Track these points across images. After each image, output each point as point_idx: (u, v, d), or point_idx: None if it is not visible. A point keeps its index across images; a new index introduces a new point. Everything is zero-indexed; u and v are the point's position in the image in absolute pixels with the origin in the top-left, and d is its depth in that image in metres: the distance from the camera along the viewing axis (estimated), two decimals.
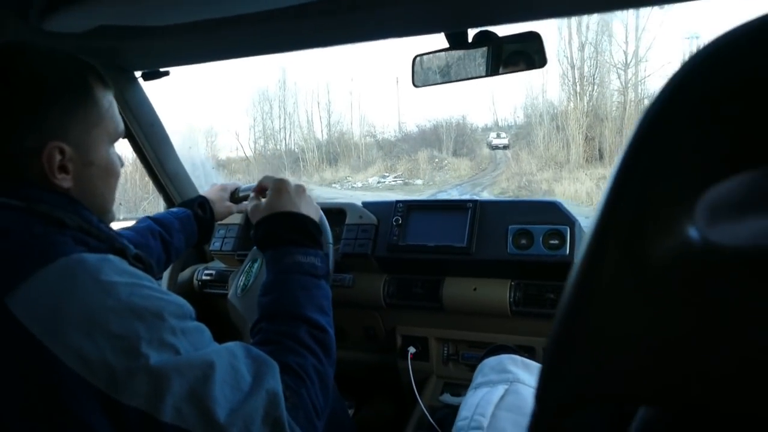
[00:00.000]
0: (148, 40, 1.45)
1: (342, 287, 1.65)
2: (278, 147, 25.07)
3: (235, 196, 1.56)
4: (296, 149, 24.72)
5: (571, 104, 19.85)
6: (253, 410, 0.76)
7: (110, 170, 0.93)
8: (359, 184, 19.98)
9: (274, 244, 1.08)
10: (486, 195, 16.49)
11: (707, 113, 0.26)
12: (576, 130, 18.59)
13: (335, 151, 24.05)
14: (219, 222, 1.78)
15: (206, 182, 2.12)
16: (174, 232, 1.39)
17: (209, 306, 1.95)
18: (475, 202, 1.61)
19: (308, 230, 1.11)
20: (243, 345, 0.83)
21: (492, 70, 1.44)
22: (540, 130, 20.20)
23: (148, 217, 1.40)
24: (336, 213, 1.77)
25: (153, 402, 0.70)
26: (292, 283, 1.00)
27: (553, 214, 1.52)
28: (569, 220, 1.49)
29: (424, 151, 22.10)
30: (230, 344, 0.82)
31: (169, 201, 2.06)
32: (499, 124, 25.73)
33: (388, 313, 1.74)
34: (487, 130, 24.24)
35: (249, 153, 24.92)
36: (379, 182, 19.88)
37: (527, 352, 1.57)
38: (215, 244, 1.91)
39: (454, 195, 16.02)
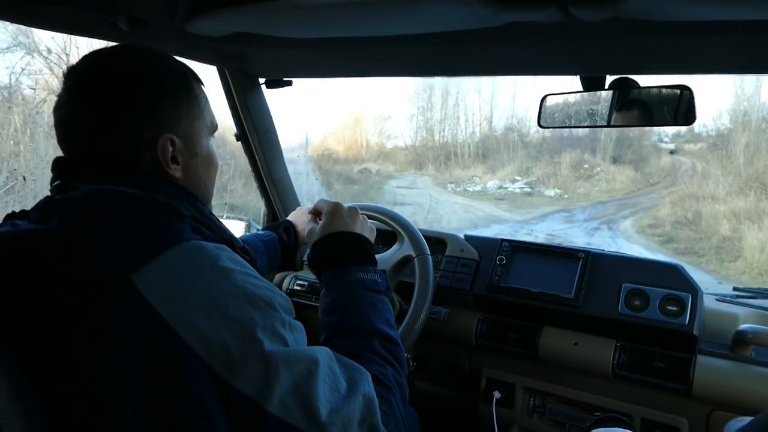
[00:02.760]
0: (276, 50, 1.48)
1: (436, 321, 1.61)
2: (435, 139, 22.29)
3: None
4: (451, 143, 21.80)
5: None
6: (351, 413, 0.77)
7: (211, 161, 0.97)
8: (478, 188, 16.74)
9: (332, 264, 1.09)
10: (628, 224, 11.42)
11: None
12: None
13: (492, 147, 20.47)
14: None
15: (307, 192, 2.14)
16: (258, 254, 1.41)
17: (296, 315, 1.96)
18: (587, 252, 1.54)
19: (364, 248, 1.12)
20: (333, 352, 0.84)
21: (614, 120, 1.38)
22: (742, 136, 14.17)
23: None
24: (435, 242, 1.73)
25: (262, 391, 0.72)
26: (358, 299, 1.01)
27: (673, 278, 1.42)
28: (692, 288, 1.39)
29: (571, 153, 17.31)
30: (323, 348, 0.83)
31: (269, 205, 2.09)
32: (695, 130, 19.32)
33: (476, 353, 1.68)
34: (678, 137, 18.85)
35: (409, 142, 22.96)
36: (500, 188, 16.48)
37: (623, 418, 1.48)
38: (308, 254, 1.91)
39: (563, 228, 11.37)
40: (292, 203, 2.10)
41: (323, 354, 0.80)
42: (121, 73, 0.87)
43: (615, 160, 16.93)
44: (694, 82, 1.25)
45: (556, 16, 0.99)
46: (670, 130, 18.53)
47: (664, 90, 1.28)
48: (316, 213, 1.27)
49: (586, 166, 16.90)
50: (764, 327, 1.36)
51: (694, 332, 1.33)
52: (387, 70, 1.54)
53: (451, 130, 21.97)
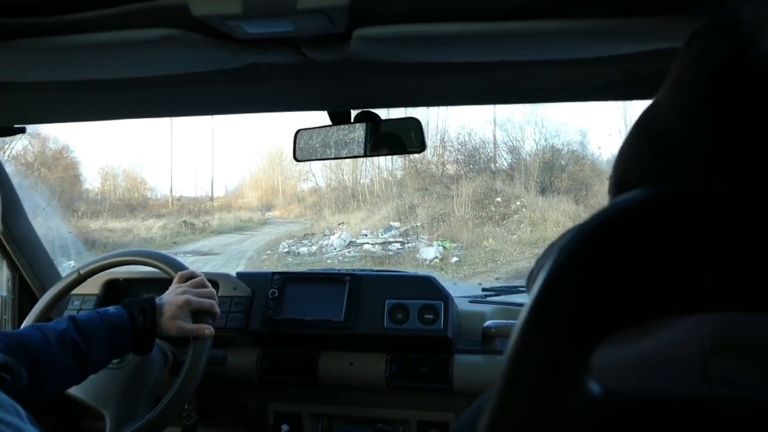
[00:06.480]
0: (1, 96, 1.33)
1: (213, 364, 1.57)
2: (345, 178, 18.59)
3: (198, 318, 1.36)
4: (365, 182, 17.74)
5: None
6: None
7: None
8: (314, 248, 11.46)
9: None
10: None
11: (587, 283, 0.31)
12: None
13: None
14: (74, 292, 1.63)
15: (60, 248, 1.94)
16: (95, 342, 1.19)
17: None
18: (352, 274, 1.63)
19: None
20: None
21: (369, 151, 1.50)
22: None
23: (72, 318, 1.20)
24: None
25: None
26: None
27: (427, 288, 1.57)
28: (443, 295, 1.55)
29: (475, 181, 12.20)
30: None
31: (13, 267, 1.85)
32: None
33: (260, 390, 1.67)
34: (613, 161, 16.75)
35: (321, 183, 20.04)
36: (350, 244, 11.14)
37: (401, 425, 1.59)
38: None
39: None
40: (42, 261, 1.89)
41: None
42: None
43: (544, 190, 11.98)
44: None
45: (293, 57, 1.06)
46: (605, 156, 15.82)
47: (402, 122, 1.42)
48: None
49: (498, 199, 11.49)
50: (505, 321, 1.57)
51: (449, 335, 1.49)
52: (131, 112, 1.48)
53: (365, 165, 17.36)
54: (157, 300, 1.31)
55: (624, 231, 0.30)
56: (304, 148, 1.53)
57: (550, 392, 0.30)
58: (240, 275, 1.73)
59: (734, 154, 0.43)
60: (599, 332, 0.30)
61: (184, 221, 16.87)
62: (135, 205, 20.92)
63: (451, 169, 13.99)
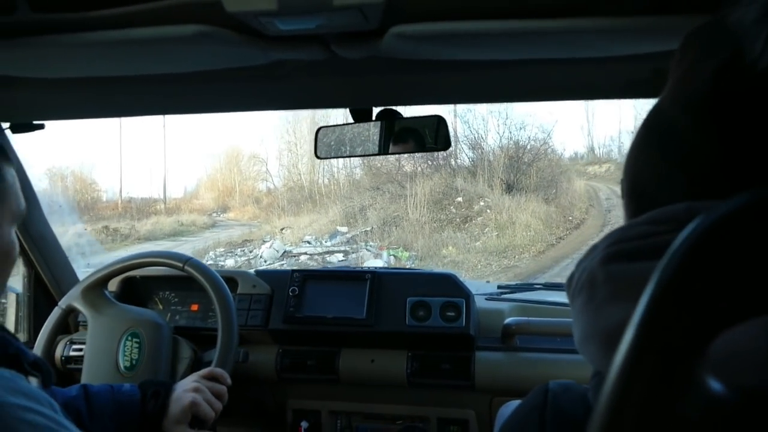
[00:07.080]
0: (22, 92, 1.33)
1: (235, 362, 1.57)
2: (303, 179, 18.06)
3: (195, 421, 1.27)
4: (323, 182, 17.19)
5: None
6: None
7: (9, 254, 0.84)
8: (241, 259, 10.59)
9: None
10: None
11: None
12: None
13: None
14: None
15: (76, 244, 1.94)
16: (99, 417, 1.15)
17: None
18: (373, 273, 1.63)
19: None
20: None
21: (389, 148, 1.49)
22: None
23: (84, 387, 1.18)
24: (226, 282, 1.69)
25: None
26: None
27: (449, 286, 1.57)
28: (465, 293, 1.55)
29: (434, 179, 11.34)
30: None
31: (30, 265, 1.85)
32: (596, 151, 17.15)
33: (280, 387, 1.67)
34: (576, 159, 15.82)
35: (278, 183, 19.58)
36: (285, 253, 10.09)
37: (422, 422, 1.59)
38: None
39: None
40: (59, 259, 1.89)
41: None
42: None
43: (510, 188, 10.66)
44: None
45: (320, 54, 1.05)
46: (567, 153, 16.27)
47: (423, 119, 1.42)
48: None
49: (459, 199, 10.15)
50: (524, 318, 1.57)
51: (471, 332, 1.49)
52: (154, 108, 1.48)
53: (323, 165, 16.67)
54: (174, 387, 1.28)
55: (746, 226, 0.30)
56: (324, 146, 1.54)
57: (668, 391, 0.30)
58: (258, 273, 1.73)
59: (745, 151, 0.43)
60: (717, 327, 0.30)
61: (106, 227, 15.23)
62: (81, 207, 19.78)
63: (407, 165, 12.95)
